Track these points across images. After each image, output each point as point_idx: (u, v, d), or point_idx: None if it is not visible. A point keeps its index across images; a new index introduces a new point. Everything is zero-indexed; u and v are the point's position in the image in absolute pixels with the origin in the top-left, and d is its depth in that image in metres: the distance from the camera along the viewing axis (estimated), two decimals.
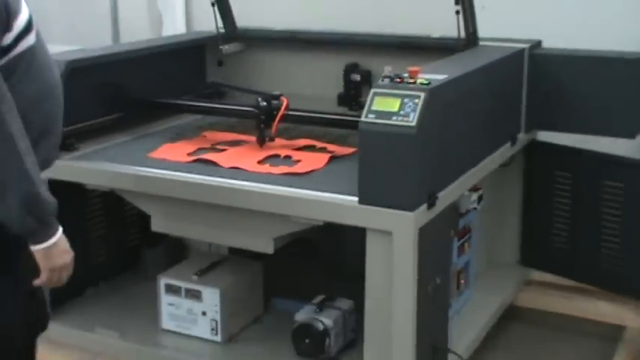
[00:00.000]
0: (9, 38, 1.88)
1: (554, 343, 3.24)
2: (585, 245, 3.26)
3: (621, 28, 3.42)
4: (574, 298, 3.39)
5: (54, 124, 2.06)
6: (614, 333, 3.22)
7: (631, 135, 3.12)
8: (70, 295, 3.03)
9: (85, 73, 2.87)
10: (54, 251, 1.93)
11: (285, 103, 2.88)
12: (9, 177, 1.82)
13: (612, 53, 3.12)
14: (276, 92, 2.94)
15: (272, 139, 2.91)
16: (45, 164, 2.03)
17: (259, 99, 2.92)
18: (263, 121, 2.89)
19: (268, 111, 2.89)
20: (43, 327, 2.23)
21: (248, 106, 2.98)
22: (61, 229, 1.95)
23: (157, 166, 2.73)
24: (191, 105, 3.27)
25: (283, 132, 3.00)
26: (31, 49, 1.95)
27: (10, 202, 1.83)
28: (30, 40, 1.94)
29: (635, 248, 3.13)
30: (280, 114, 2.87)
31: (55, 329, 2.58)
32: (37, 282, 1.97)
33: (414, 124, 2.30)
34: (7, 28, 1.86)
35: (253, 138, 2.96)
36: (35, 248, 1.91)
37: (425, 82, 2.42)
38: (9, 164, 1.82)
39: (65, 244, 1.97)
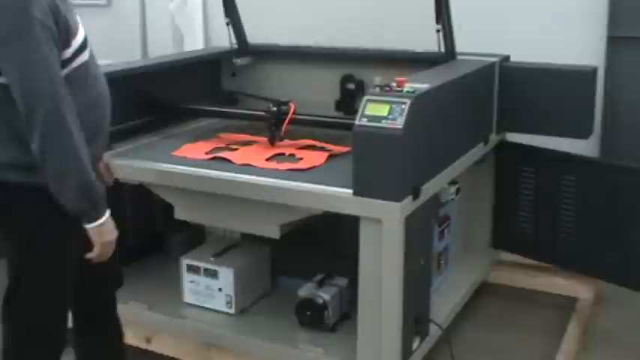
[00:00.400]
0: (68, 53, 1.96)
1: (519, 313, 3.25)
2: (546, 230, 3.26)
3: (576, 46, 3.44)
4: (536, 275, 3.40)
5: (102, 127, 2.13)
6: (568, 304, 3.24)
7: (584, 136, 3.13)
8: None
9: (120, 83, 2.84)
10: (104, 229, 2.01)
11: (292, 108, 2.88)
12: (68, 167, 1.91)
13: (568, 66, 3.12)
14: (285, 99, 2.94)
15: (281, 139, 2.90)
16: (94, 160, 2.09)
17: (270, 105, 2.92)
18: (274, 123, 2.88)
19: (278, 115, 2.89)
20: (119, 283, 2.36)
21: (260, 111, 2.98)
22: (108, 211, 2.03)
23: (179, 163, 2.71)
24: (209, 110, 3.25)
25: (287, 134, 2.97)
26: (85, 64, 2.02)
27: (69, 188, 1.92)
28: (84, 56, 2.02)
29: (587, 232, 3.12)
30: (289, 117, 2.86)
31: None
32: (89, 255, 2.03)
33: (401, 126, 2.30)
34: (67, 44, 1.95)
35: (263, 139, 2.95)
36: (89, 226, 1.99)
37: (410, 90, 2.41)
38: (69, 157, 1.90)
39: (112, 224, 2.05)
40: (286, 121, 2.86)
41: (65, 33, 1.94)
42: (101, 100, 2.10)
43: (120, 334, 2.40)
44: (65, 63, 1.95)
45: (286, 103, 2.91)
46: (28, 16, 1.83)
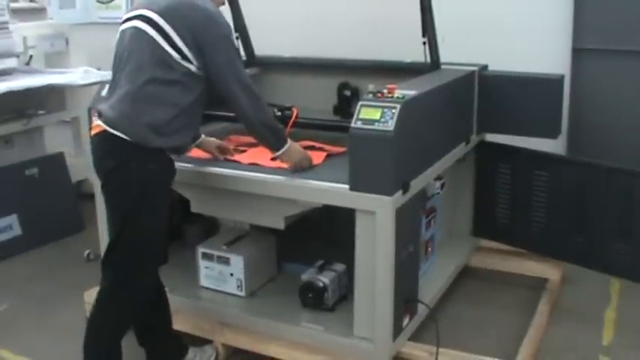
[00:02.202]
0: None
1: (496, 293, 3.22)
2: (520, 220, 3.23)
3: (546, 57, 3.45)
4: (511, 259, 3.36)
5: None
6: (539, 284, 3.21)
7: (553, 136, 3.12)
8: None
9: None
10: (289, 152, 2.44)
11: (295, 113, 2.85)
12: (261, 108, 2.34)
13: (539, 75, 3.10)
14: (288, 105, 2.90)
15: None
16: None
17: (275, 109, 2.88)
18: None
19: (282, 118, 2.84)
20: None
21: None
22: (290, 141, 2.44)
23: (194, 162, 2.66)
24: (220, 115, 3.18)
25: (290, 136, 2.92)
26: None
27: (265, 129, 2.38)
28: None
29: (556, 221, 3.10)
30: (292, 121, 2.83)
31: None
32: (289, 167, 2.48)
33: (391, 128, 2.27)
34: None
35: None
36: (277, 154, 2.44)
37: (400, 96, 2.39)
38: (261, 105, 2.35)
39: (297, 148, 2.50)
40: (290, 124, 2.82)
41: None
42: None
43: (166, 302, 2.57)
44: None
45: (290, 108, 2.88)
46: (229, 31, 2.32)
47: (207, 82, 2.27)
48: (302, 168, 2.49)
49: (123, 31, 2.29)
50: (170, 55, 2.18)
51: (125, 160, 2.18)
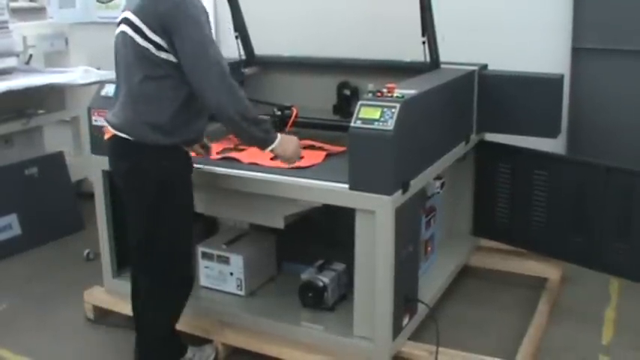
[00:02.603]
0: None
1: (496, 293, 3.22)
2: (520, 219, 3.22)
3: (545, 56, 3.43)
4: (511, 259, 3.36)
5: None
6: (539, 283, 3.21)
7: (553, 135, 3.11)
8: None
9: None
10: (283, 145, 2.29)
11: (295, 112, 2.85)
12: (239, 99, 2.19)
13: (539, 74, 3.09)
14: (288, 104, 2.89)
15: None
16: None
17: (275, 109, 2.88)
18: (278, 125, 2.83)
19: (282, 118, 2.84)
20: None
21: (266, 114, 2.90)
22: (280, 135, 2.29)
23: (194, 162, 2.62)
24: None
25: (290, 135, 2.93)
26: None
27: (249, 125, 2.20)
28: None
29: (556, 221, 3.09)
30: (292, 120, 2.83)
31: (124, 286, 2.66)
32: (282, 164, 2.37)
33: (391, 128, 2.26)
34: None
35: None
36: (269, 149, 2.28)
37: (400, 95, 2.38)
38: (241, 103, 2.19)
39: (289, 138, 2.33)
40: (290, 123, 2.82)
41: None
42: None
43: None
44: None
45: (290, 108, 2.87)
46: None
47: None
48: (293, 162, 2.39)
49: (115, 37, 2.32)
50: (147, 49, 2.17)
51: (137, 161, 2.22)
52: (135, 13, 2.20)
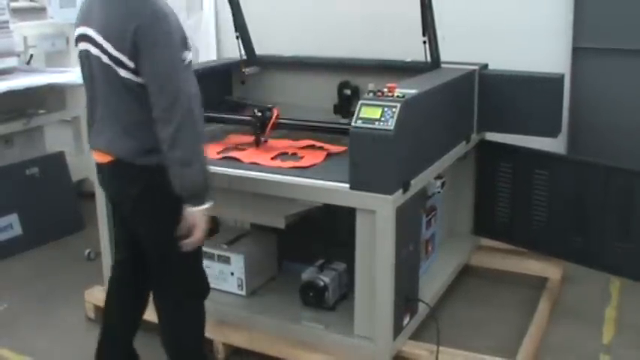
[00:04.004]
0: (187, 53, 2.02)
1: (497, 292, 3.21)
2: (520, 219, 3.22)
3: (546, 56, 3.42)
4: (511, 258, 3.36)
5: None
6: (539, 283, 3.20)
7: (553, 135, 3.11)
8: None
9: None
10: (205, 215, 2.01)
11: (275, 113, 2.77)
12: (196, 153, 1.97)
13: (539, 74, 3.09)
14: (270, 105, 2.83)
15: (265, 141, 2.81)
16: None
17: (255, 110, 2.80)
18: (258, 127, 2.78)
19: (262, 120, 2.77)
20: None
21: (247, 116, 2.87)
22: (208, 205, 2.02)
23: None
24: (206, 116, 3.12)
25: (291, 135, 2.94)
26: (190, 62, 2.05)
27: (195, 171, 1.95)
28: (190, 55, 2.05)
29: (556, 220, 3.10)
30: (272, 122, 2.76)
31: None
32: (188, 241, 2.01)
33: (392, 128, 2.26)
34: (186, 47, 2.03)
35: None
36: (196, 209, 1.98)
37: (400, 95, 2.37)
38: (197, 145, 1.97)
39: (203, 215, 2.02)
40: (269, 125, 2.76)
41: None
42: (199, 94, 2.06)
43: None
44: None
45: (270, 109, 2.79)
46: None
47: None
48: (201, 240, 2.07)
49: (79, 51, 2.15)
50: (115, 70, 2.00)
51: (147, 184, 2.06)
52: (97, 30, 2.03)
